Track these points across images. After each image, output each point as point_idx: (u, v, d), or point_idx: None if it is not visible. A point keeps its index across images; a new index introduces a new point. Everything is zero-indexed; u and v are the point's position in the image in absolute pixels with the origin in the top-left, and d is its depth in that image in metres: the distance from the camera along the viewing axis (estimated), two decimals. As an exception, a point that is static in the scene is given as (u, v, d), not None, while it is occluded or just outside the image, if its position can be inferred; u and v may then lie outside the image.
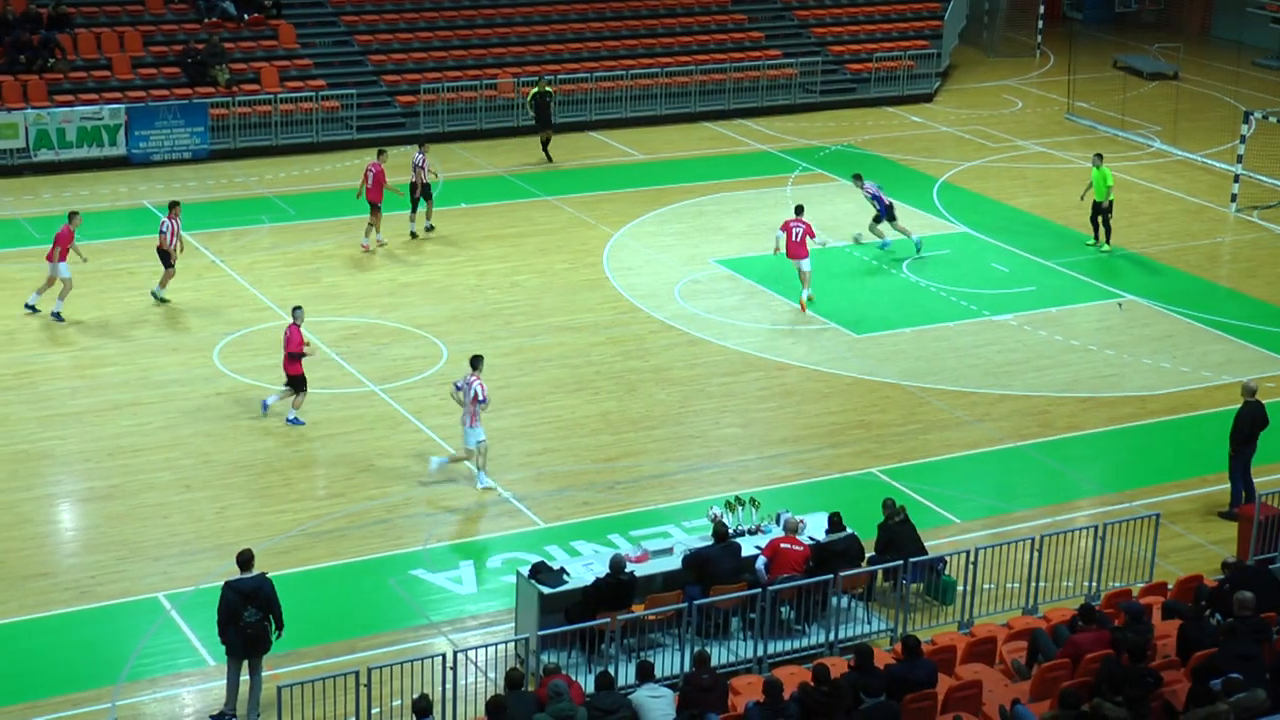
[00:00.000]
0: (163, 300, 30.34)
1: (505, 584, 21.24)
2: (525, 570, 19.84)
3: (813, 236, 31.12)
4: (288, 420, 25.69)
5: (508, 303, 31.20)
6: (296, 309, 26.03)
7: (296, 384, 25.75)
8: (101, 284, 31.30)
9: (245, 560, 18.57)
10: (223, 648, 18.50)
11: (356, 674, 17.85)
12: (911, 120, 46.01)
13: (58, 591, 21.05)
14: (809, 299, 31.18)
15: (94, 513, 23.28)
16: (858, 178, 34.79)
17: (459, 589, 21.48)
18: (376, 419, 26.16)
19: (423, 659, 18.62)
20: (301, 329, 25.69)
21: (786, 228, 31.03)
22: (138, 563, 21.76)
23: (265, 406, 25.93)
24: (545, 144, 40.78)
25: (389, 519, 23.20)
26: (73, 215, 30.26)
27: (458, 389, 24.04)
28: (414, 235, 34.50)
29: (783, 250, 31.00)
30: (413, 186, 34.39)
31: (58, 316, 29.51)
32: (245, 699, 18.48)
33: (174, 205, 30.57)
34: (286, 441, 25.29)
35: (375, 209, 33.54)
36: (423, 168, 34.25)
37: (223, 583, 18.48)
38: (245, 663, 18.50)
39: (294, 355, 25.57)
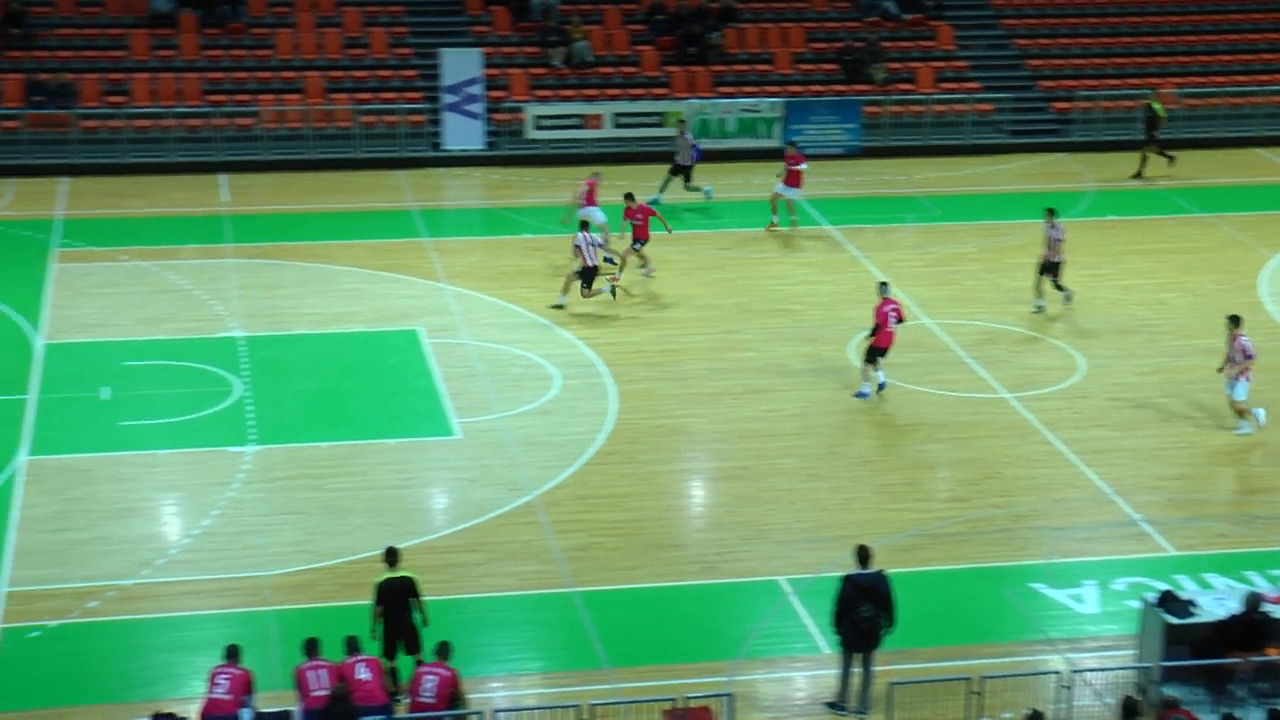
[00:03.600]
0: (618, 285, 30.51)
1: (1128, 608, 20.45)
2: (1152, 597, 19.07)
3: None
4: None
5: (1152, 320, 30.13)
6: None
7: None
8: (743, 270, 32.27)
9: (864, 555, 18.68)
10: (836, 638, 18.68)
11: (969, 680, 17.66)
12: None
13: (686, 564, 21.82)
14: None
15: (724, 491, 24.01)
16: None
17: (1079, 608, 20.88)
18: (1006, 427, 25.79)
19: (1036, 674, 18.28)
20: None
21: None
22: (762, 544, 22.27)
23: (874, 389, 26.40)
24: (1145, 156, 38.98)
25: (1011, 529, 22.83)
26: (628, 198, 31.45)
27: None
28: None
29: None
30: None
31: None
32: (857, 692, 18.59)
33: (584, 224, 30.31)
34: (913, 441, 25.31)
35: None
36: None
37: (842, 575, 18.64)
38: (857, 656, 18.62)
39: None
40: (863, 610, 18.32)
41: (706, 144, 39.20)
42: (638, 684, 18.81)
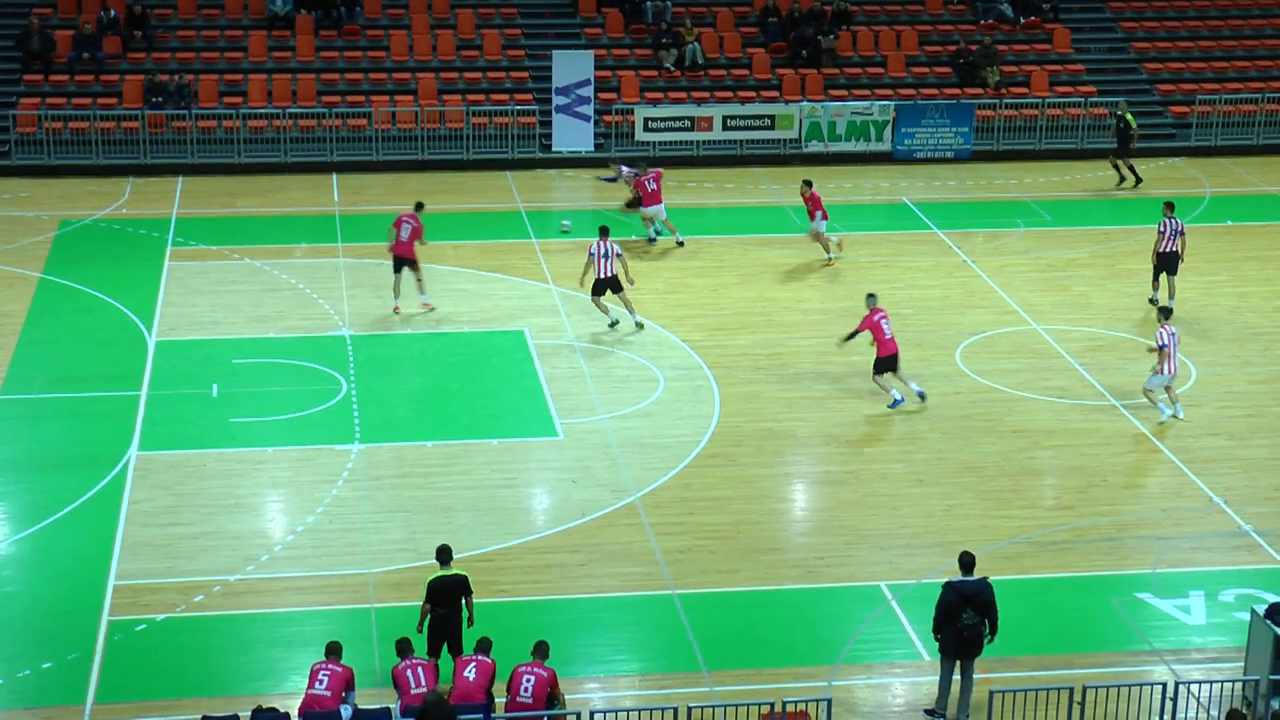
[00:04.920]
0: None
1: (1237, 620, 20.13)
2: (1261, 609, 18.72)
3: None
4: None
5: (1268, 329, 29.58)
6: None
7: None
8: (856, 275, 32.09)
9: (968, 563, 18.50)
10: (937, 645, 18.52)
11: (1071, 690, 17.47)
12: None
13: (786, 568, 21.72)
14: None
15: (827, 496, 23.88)
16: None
17: (1186, 619, 20.55)
18: (1114, 435, 25.45)
19: (1140, 685, 17.98)
20: None
21: None
22: (864, 549, 22.13)
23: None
24: (1115, 166, 37.95)
25: (1118, 538, 22.52)
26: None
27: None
28: None
29: None
30: None
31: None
32: (956, 699, 18.42)
33: (604, 230, 29.87)
34: (1019, 447, 25.03)
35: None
36: None
37: (944, 582, 18.47)
38: (957, 663, 18.44)
39: None
40: (965, 618, 18.14)
41: (815, 147, 39.07)
42: (736, 687, 18.77)
